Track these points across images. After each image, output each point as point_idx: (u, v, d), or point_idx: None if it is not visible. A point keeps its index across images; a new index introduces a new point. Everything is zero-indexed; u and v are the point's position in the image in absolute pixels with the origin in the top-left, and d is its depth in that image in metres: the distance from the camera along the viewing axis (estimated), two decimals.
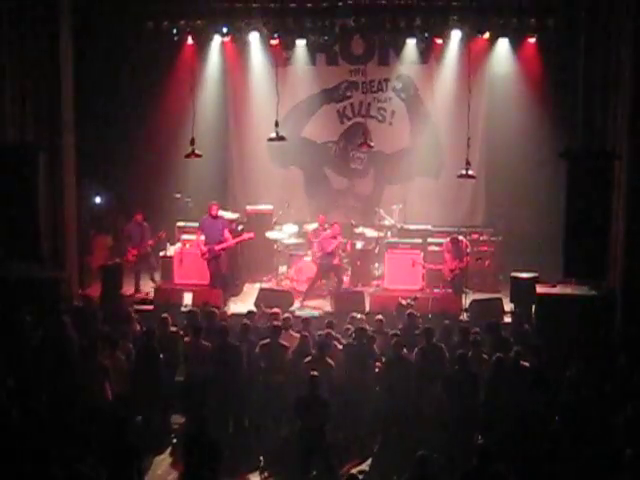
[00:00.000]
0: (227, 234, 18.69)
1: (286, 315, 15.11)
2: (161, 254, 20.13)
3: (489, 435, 12.08)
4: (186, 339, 14.26)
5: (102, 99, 20.34)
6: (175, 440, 13.89)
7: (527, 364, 13.13)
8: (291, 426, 13.51)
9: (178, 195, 20.85)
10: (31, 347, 14.03)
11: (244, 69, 21.88)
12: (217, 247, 18.52)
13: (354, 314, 15.63)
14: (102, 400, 12.83)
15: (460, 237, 18.79)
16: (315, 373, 12.50)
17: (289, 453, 13.05)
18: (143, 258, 19.58)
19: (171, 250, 20.01)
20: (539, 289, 16.58)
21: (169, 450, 13.65)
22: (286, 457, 13.13)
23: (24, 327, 14.50)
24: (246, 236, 19.20)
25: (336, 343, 14.12)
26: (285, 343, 14.02)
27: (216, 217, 18.71)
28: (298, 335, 14.34)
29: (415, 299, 16.79)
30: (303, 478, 12.30)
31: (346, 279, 20.08)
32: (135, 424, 12.78)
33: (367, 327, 14.47)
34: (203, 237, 18.61)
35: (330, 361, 13.43)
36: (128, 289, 18.63)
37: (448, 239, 18.84)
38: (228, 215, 20.02)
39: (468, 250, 18.71)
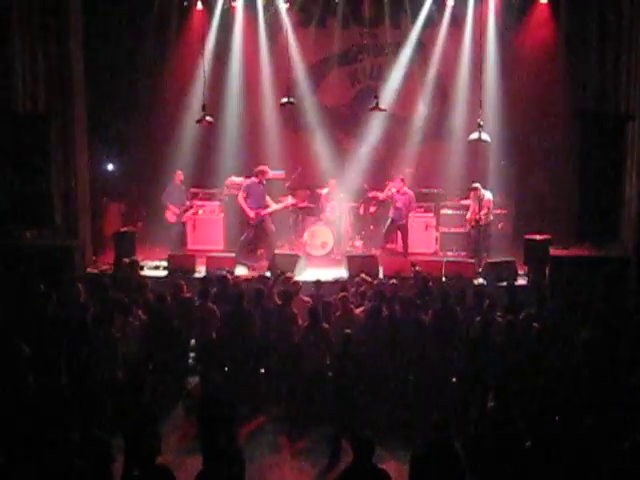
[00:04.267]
0: (269, 200, 18.94)
1: (295, 280, 15.17)
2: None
3: (501, 398, 12.06)
4: (196, 303, 14.38)
5: (112, 66, 20.26)
6: (188, 402, 14.02)
7: (537, 325, 13.18)
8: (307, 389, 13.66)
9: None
10: (46, 315, 14.11)
11: (254, 33, 21.74)
12: (263, 212, 18.73)
13: (363, 276, 15.77)
14: (115, 367, 12.97)
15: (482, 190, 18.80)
16: (348, 331, 12.62)
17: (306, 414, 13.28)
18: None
19: (184, 216, 20.05)
20: (553, 251, 16.55)
21: (184, 414, 13.74)
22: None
23: (38, 295, 14.58)
24: (289, 202, 19.63)
25: (352, 307, 14.16)
26: (294, 310, 14.09)
27: (262, 182, 18.88)
28: (309, 299, 14.42)
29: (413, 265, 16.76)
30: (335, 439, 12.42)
31: (359, 243, 20.14)
32: (150, 389, 12.85)
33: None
34: (242, 200, 18.76)
35: (326, 325, 13.44)
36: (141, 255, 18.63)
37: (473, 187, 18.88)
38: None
39: (489, 205, 18.73)
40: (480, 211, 18.49)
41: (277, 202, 19.32)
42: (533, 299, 14.74)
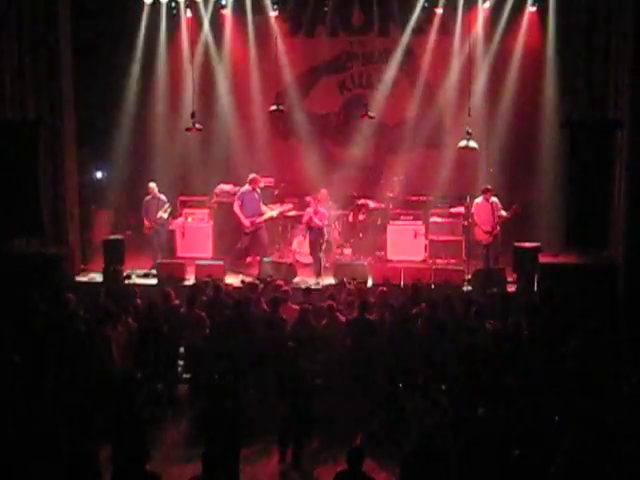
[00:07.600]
0: (263, 207, 19.04)
1: (284, 288, 15.16)
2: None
3: (491, 405, 12.05)
4: (182, 309, 14.37)
5: (101, 74, 20.22)
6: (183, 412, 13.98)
7: (526, 333, 13.19)
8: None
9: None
10: (35, 323, 14.06)
11: (244, 41, 21.70)
12: (258, 220, 18.84)
13: (347, 285, 15.81)
14: (111, 367, 13.00)
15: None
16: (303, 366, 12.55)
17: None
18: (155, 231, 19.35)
19: (173, 224, 20.00)
20: (542, 258, 16.57)
21: (174, 422, 13.69)
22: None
23: (27, 303, 14.53)
24: (285, 208, 19.74)
25: (339, 314, 14.14)
26: (283, 316, 14.12)
27: (256, 190, 18.96)
28: (297, 307, 14.42)
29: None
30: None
31: (348, 251, 20.11)
32: (140, 397, 12.80)
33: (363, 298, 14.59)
34: (238, 208, 18.81)
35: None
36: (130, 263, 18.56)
37: (480, 197, 18.68)
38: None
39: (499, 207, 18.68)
40: (495, 216, 18.41)
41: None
42: (522, 307, 14.76)
